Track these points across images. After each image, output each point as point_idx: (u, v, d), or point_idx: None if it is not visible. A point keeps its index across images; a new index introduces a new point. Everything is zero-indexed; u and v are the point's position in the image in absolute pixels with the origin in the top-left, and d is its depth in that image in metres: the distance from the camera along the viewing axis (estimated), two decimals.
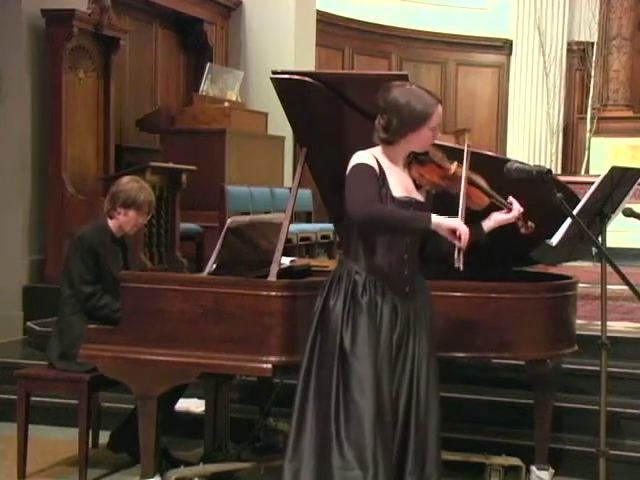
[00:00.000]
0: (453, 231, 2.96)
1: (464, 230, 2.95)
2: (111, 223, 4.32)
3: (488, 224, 3.19)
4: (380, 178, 3.07)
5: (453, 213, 3.02)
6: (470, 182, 3.15)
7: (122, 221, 4.31)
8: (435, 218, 2.98)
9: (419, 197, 3.17)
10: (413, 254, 3.17)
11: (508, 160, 3.11)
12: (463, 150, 3.19)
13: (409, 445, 3.07)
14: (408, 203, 3.11)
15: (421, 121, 3.05)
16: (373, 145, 3.16)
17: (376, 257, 3.11)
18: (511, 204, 3.21)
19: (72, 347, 4.11)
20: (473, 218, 3.14)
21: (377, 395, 2.99)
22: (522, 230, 3.25)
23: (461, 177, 3.12)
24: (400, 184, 3.12)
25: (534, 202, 3.36)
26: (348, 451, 2.97)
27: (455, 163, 3.17)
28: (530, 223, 3.24)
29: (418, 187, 3.19)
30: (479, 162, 3.31)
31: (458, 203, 3.04)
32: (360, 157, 3.11)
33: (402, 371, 3.10)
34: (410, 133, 3.07)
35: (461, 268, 2.97)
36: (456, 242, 2.95)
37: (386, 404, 3.01)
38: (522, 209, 3.19)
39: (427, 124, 3.06)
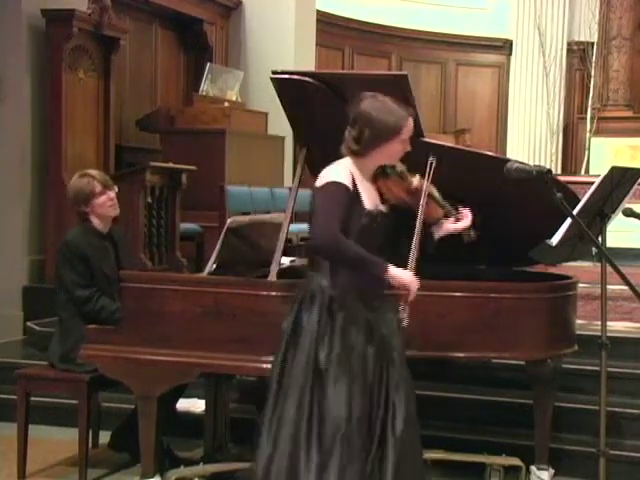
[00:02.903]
0: (404, 286, 3.02)
1: (414, 288, 3.03)
2: (92, 221, 4.32)
3: (439, 233, 3.27)
4: (354, 193, 3.03)
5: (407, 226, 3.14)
6: (429, 196, 3.19)
7: (97, 213, 4.30)
8: (392, 270, 2.99)
9: (384, 209, 3.16)
10: None
11: (508, 160, 3.11)
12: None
13: (387, 462, 2.97)
14: (377, 215, 3.09)
15: (393, 134, 3.04)
16: None
17: (348, 273, 3.05)
18: (461, 214, 3.29)
19: (73, 350, 4.10)
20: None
21: (350, 415, 2.92)
22: (465, 238, 3.34)
23: (421, 191, 3.15)
24: (370, 197, 3.11)
25: (534, 202, 3.36)
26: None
27: (417, 177, 3.18)
28: (472, 234, 3.34)
29: (383, 200, 3.17)
30: (479, 162, 3.30)
31: (414, 217, 3.13)
32: (335, 172, 3.05)
33: (379, 389, 3.02)
34: (381, 145, 3.05)
35: (405, 324, 3.04)
36: (404, 298, 3.04)
37: (360, 423, 2.93)
38: (470, 220, 3.28)
39: (399, 137, 3.06)
